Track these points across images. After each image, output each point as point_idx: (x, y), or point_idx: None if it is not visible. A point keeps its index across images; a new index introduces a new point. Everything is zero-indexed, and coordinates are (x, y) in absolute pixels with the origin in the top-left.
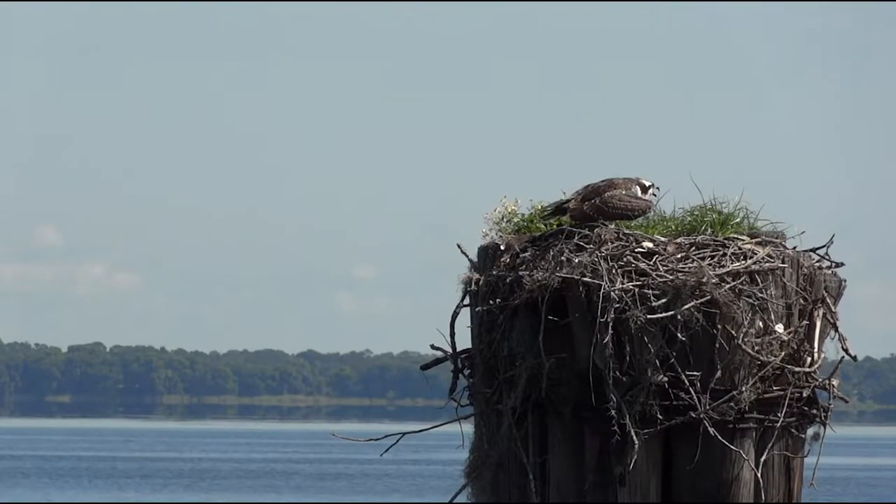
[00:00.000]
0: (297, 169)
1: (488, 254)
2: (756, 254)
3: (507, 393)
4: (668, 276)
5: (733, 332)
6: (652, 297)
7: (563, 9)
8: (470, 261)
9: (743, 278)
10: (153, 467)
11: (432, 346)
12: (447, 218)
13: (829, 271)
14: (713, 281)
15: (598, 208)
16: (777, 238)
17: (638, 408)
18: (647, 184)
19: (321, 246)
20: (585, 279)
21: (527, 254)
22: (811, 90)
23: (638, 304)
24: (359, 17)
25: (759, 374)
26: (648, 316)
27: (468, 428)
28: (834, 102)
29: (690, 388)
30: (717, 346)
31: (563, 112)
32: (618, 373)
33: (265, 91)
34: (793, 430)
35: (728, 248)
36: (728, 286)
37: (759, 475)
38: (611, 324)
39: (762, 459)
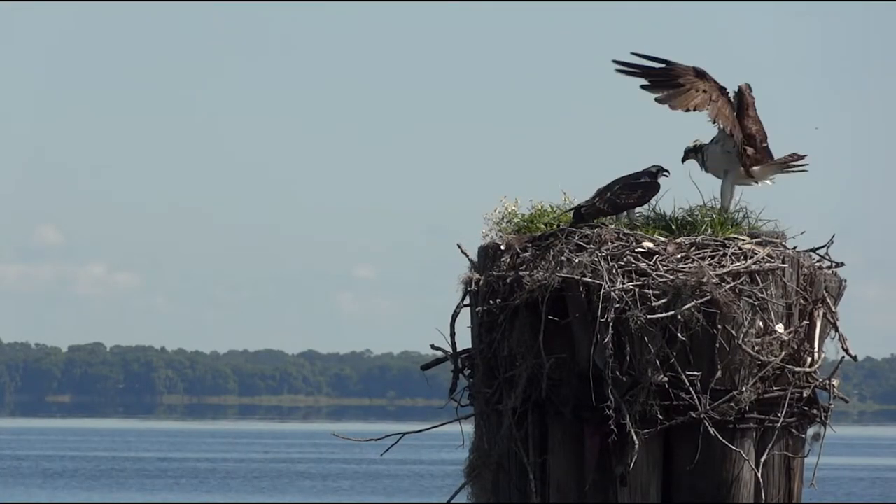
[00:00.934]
0: (297, 169)
1: (488, 254)
2: (756, 254)
3: (507, 393)
4: (668, 276)
5: (733, 332)
6: (652, 297)
7: (564, 8)
8: (470, 261)
9: (743, 278)
10: (153, 467)
11: (432, 346)
12: (447, 218)
13: (830, 271)
14: (713, 281)
15: (609, 201)
16: (777, 238)
17: (638, 408)
18: (654, 169)
19: (321, 246)
20: (586, 279)
21: (527, 254)
22: (811, 90)
23: (638, 304)
24: (359, 17)
25: (760, 375)
26: (649, 316)
27: (468, 428)
28: (834, 102)
29: (691, 388)
30: (718, 346)
31: (564, 112)
32: (618, 373)
33: (265, 91)
34: (793, 431)
35: (728, 248)
36: (728, 286)
37: (759, 475)
38: (611, 324)
39: (762, 459)
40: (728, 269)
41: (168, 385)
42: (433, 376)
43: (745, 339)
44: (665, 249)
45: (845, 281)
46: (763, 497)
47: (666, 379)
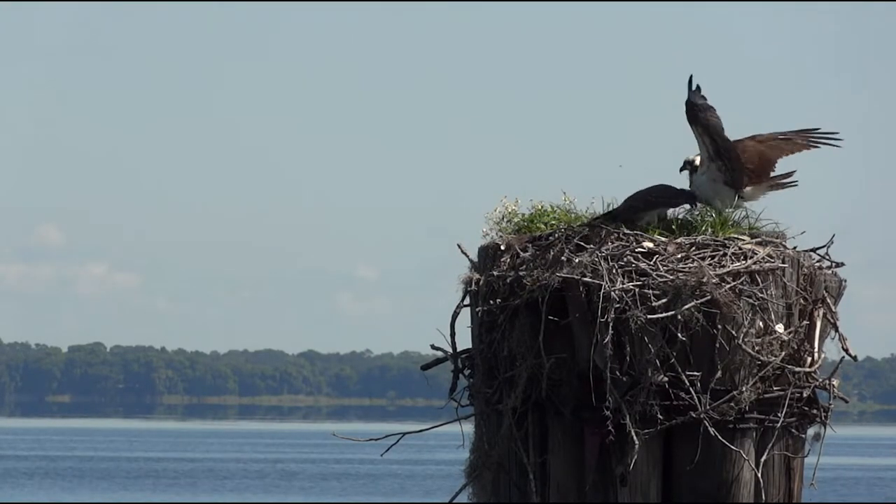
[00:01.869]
0: (297, 169)
1: (488, 254)
2: (756, 254)
3: (507, 393)
4: (668, 276)
5: (733, 332)
6: (652, 297)
7: (564, 8)
8: (470, 261)
9: (743, 278)
10: (153, 467)
11: (433, 346)
12: (447, 218)
13: (830, 271)
14: (713, 281)
15: (644, 199)
16: (777, 238)
17: (638, 408)
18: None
19: (321, 246)
20: (586, 279)
21: (527, 254)
22: (811, 89)
23: (638, 304)
24: (361, 17)
25: (760, 375)
26: (649, 316)
27: (468, 428)
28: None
29: (691, 388)
30: (718, 346)
31: (564, 112)
32: (618, 373)
33: (266, 91)
34: (793, 431)
35: (728, 248)
36: (728, 286)
37: (759, 475)
38: (611, 324)
39: (762, 459)
40: (728, 269)
41: (168, 385)
42: (433, 376)
43: (745, 339)
44: (665, 249)
45: (845, 281)
46: (763, 497)
47: (666, 379)
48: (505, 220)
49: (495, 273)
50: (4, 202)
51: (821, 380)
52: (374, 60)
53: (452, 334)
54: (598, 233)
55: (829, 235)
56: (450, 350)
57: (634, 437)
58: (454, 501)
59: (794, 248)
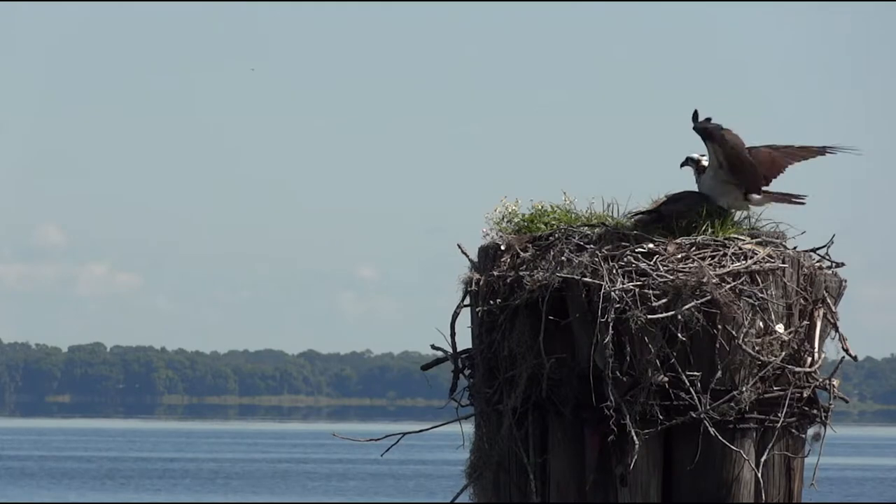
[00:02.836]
0: (297, 169)
1: (489, 254)
2: (756, 254)
3: (507, 393)
4: (668, 276)
5: (734, 333)
6: (652, 298)
7: (564, 8)
8: (470, 261)
9: (743, 278)
10: (153, 467)
11: (433, 347)
12: (448, 218)
13: (830, 271)
14: (713, 281)
15: (675, 210)
16: (777, 238)
17: (638, 408)
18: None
19: (322, 246)
20: (586, 279)
21: (527, 254)
22: (811, 89)
23: (638, 304)
24: (361, 17)
25: (760, 375)
26: (649, 316)
27: (469, 428)
28: (834, 102)
29: (691, 389)
30: (718, 346)
31: (564, 112)
32: (618, 373)
33: (266, 91)
34: (793, 431)
35: (728, 248)
36: (728, 286)
37: (759, 475)
38: (611, 324)
39: (762, 459)
40: (728, 269)
41: (168, 385)
42: (433, 376)
43: (746, 339)
44: (665, 249)
45: (845, 281)
46: (763, 497)
47: (666, 379)
48: (505, 220)
49: (495, 273)
50: (5, 202)
51: (821, 380)
52: (374, 61)
53: (452, 334)
54: (598, 233)
55: (830, 236)
56: (450, 350)
57: (634, 437)
58: (455, 502)
59: (795, 248)
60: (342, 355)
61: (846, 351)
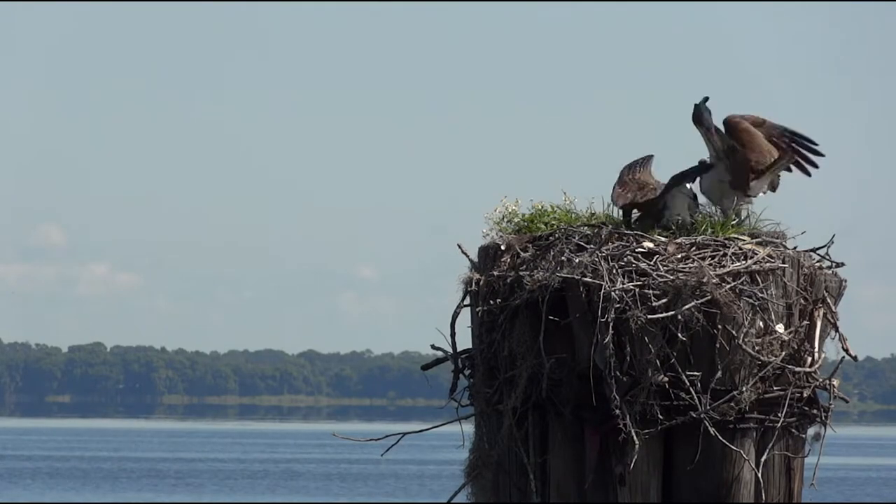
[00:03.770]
0: (297, 169)
1: (489, 254)
2: (756, 254)
3: (507, 393)
4: (668, 276)
5: (734, 332)
6: (652, 297)
7: (564, 8)
8: (470, 261)
9: (743, 278)
10: (153, 467)
11: (433, 347)
12: (448, 218)
13: (830, 271)
14: (714, 281)
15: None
16: (777, 238)
17: (638, 408)
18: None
19: (322, 246)
20: (586, 279)
21: (527, 254)
22: (812, 89)
23: (638, 304)
24: (362, 17)
25: (760, 375)
26: (649, 316)
27: (468, 428)
28: (834, 102)
29: (691, 389)
30: (718, 346)
31: (564, 112)
32: (618, 373)
33: (266, 91)
34: (793, 431)
35: (728, 248)
36: (728, 286)
37: (759, 475)
38: (611, 324)
39: (762, 459)
40: (728, 269)
41: (168, 385)
42: (433, 376)
43: (746, 339)
44: (665, 249)
45: (845, 281)
46: (763, 497)
47: (666, 379)
48: (505, 220)
49: (495, 273)
50: (6, 202)
51: (821, 380)
52: (374, 61)
53: (453, 334)
54: (599, 233)
55: (830, 235)
56: (450, 350)
57: (635, 437)
58: (454, 501)
59: (795, 248)
60: (342, 355)
61: (846, 351)
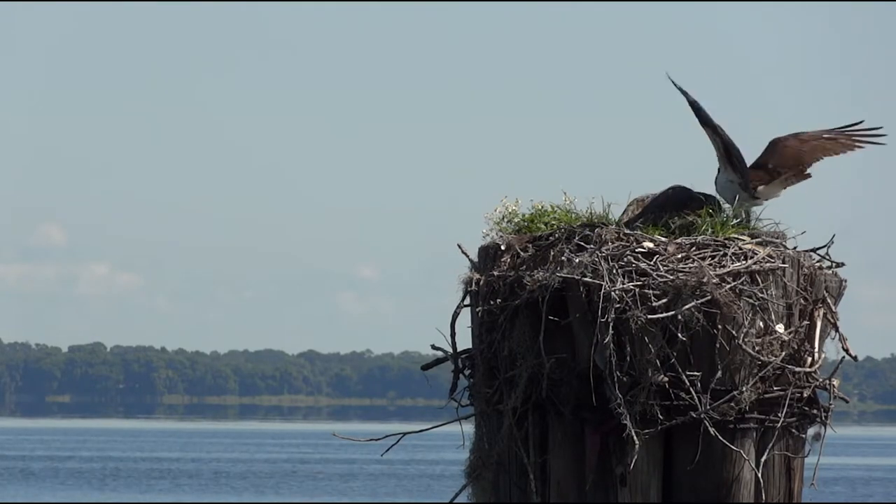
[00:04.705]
0: (298, 169)
1: (489, 254)
2: (756, 254)
3: (507, 393)
4: (668, 276)
5: (734, 333)
6: (652, 298)
7: (564, 8)
8: (470, 261)
9: (743, 278)
10: (153, 467)
11: (433, 347)
12: (447, 218)
13: (830, 271)
14: (714, 281)
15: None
16: (777, 238)
17: (638, 408)
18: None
19: (322, 246)
20: (586, 279)
21: (527, 254)
22: (812, 89)
23: (638, 304)
24: (362, 17)
25: (760, 375)
26: (649, 316)
27: (469, 428)
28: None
29: (691, 389)
30: (718, 346)
31: (564, 112)
32: (618, 373)
33: (266, 91)
34: (793, 431)
35: (728, 248)
36: (728, 286)
37: (759, 475)
38: (611, 324)
39: (763, 459)
40: (728, 270)
41: (168, 385)
42: (433, 376)
43: (746, 339)
44: (665, 249)
45: (845, 281)
46: (763, 497)
47: (666, 379)
48: (505, 220)
49: (495, 273)
50: (6, 202)
51: (821, 380)
52: (374, 61)
53: (453, 334)
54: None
55: (830, 236)
56: (450, 350)
57: (635, 437)
58: (454, 501)
59: (795, 248)
60: (342, 355)
61: (846, 351)
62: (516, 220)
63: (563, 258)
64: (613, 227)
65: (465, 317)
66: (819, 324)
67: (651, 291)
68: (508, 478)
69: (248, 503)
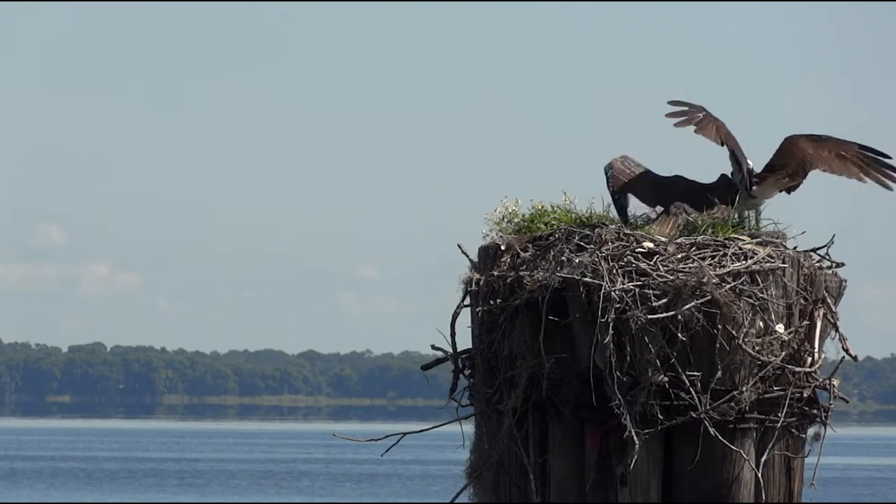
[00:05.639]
0: (298, 168)
1: (489, 254)
2: (757, 254)
3: (507, 393)
4: (668, 276)
5: (734, 333)
6: (652, 298)
7: (564, 8)
8: (470, 261)
9: (743, 278)
10: (153, 467)
11: (433, 347)
12: (448, 218)
13: (830, 271)
14: (714, 281)
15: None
16: (777, 238)
17: (638, 408)
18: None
19: (322, 246)
20: (586, 279)
21: (527, 254)
22: (812, 89)
23: (638, 304)
24: (362, 16)
25: (760, 375)
26: (649, 316)
27: (469, 428)
28: (835, 101)
29: (691, 389)
30: (718, 346)
31: (564, 112)
32: (618, 373)
33: (265, 90)
34: (793, 431)
35: (728, 248)
36: (728, 286)
37: (759, 475)
38: (611, 324)
39: (763, 459)
40: (728, 270)
41: (168, 385)
42: (433, 376)
43: (746, 339)
44: (665, 249)
45: (845, 281)
46: (763, 497)
47: (666, 379)
48: (505, 220)
49: (495, 273)
50: (6, 202)
51: (821, 380)
52: (374, 60)
53: (453, 334)
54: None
55: (830, 235)
56: (450, 350)
57: (635, 437)
58: (455, 502)
59: (795, 248)
60: (342, 355)
61: (846, 351)
62: (516, 220)
63: (563, 258)
64: (613, 227)
65: (465, 317)
66: (819, 324)
67: (651, 291)
68: (508, 478)
69: (248, 503)
